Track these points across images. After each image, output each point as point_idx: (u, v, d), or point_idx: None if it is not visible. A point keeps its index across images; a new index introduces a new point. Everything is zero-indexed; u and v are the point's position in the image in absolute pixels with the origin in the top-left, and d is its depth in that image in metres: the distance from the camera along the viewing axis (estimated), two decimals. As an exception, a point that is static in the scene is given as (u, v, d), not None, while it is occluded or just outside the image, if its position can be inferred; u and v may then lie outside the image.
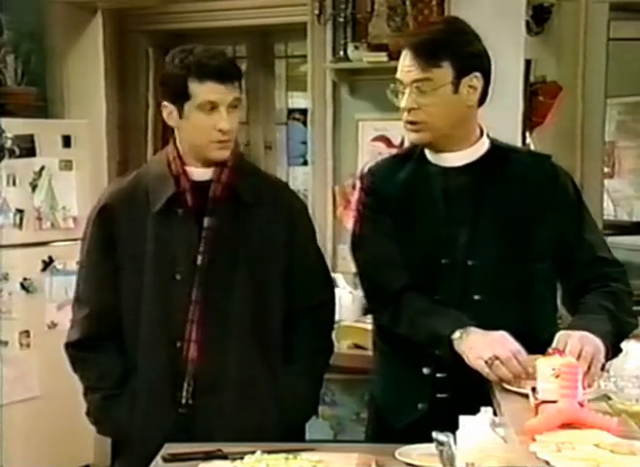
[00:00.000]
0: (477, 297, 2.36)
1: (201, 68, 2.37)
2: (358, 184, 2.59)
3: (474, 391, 2.16)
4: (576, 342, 2.10)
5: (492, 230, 2.38)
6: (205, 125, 2.39)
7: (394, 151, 3.55)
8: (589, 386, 2.03)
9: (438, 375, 2.36)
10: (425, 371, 2.38)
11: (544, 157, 2.55)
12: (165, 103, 2.44)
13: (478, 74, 2.35)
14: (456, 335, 2.21)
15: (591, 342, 2.12)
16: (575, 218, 2.45)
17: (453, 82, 2.32)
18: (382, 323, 2.50)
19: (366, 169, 2.58)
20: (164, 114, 2.46)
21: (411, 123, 2.36)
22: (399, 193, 2.43)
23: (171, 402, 2.43)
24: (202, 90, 2.37)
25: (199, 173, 2.46)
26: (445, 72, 2.31)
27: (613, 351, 2.20)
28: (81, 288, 2.56)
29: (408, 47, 2.34)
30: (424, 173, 2.44)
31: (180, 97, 2.39)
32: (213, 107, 2.38)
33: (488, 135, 2.46)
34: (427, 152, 2.45)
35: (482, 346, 2.16)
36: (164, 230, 2.44)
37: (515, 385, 2.06)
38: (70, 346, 2.54)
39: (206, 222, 2.43)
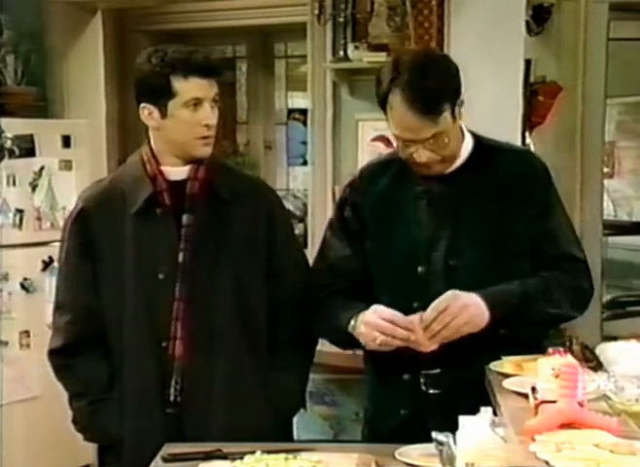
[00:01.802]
0: None
1: (185, 64, 2.37)
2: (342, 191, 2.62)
3: (459, 392, 2.25)
4: (443, 300, 2.25)
5: (474, 232, 2.39)
6: (191, 122, 2.39)
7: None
8: (432, 340, 2.24)
9: (421, 380, 2.37)
10: (405, 376, 2.40)
11: (523, 151, 2.58)
12: (144, 104, 2.43)
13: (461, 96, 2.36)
14: (350, 326, 2.35)
15: (466, 304, 2.24)
16: (547, 212, 2.47)
17: (452, 116, 2.32)
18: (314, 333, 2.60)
19: (353, 176, 2.61)
20: (143, 115, 2.45)
21: (428, 166, 2.37)
22: (375, 203, 2.47)
23: (160, 402, 2.43)
24: (187, 87, 2.37)
25: (175, 172, 2.46)
26: (447, 114, 2.31)
27: (506, 322, 2.27)
28: (61, 293, 2.55)
29: (410, 107, 2.26)
30: (406, 177, 2.44)
31: (163, 96, 2.39)
32: (197, 103, 2.39)
33: (469, 131, 2.46)
34: None
35: (365, 332, 2.30)
36: (144, 230, 2.44)
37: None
38: (53, 354, 2.53)
39: (185, 219, 2.44)
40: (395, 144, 2.43)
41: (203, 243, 2.45)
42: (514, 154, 2.55)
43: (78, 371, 2.49)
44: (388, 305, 2.36)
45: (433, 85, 2.28)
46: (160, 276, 2.43)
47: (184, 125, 2.40)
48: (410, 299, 2.37)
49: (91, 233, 2.48)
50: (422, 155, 2.33)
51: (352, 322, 2.35)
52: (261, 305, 2.51)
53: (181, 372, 2.42)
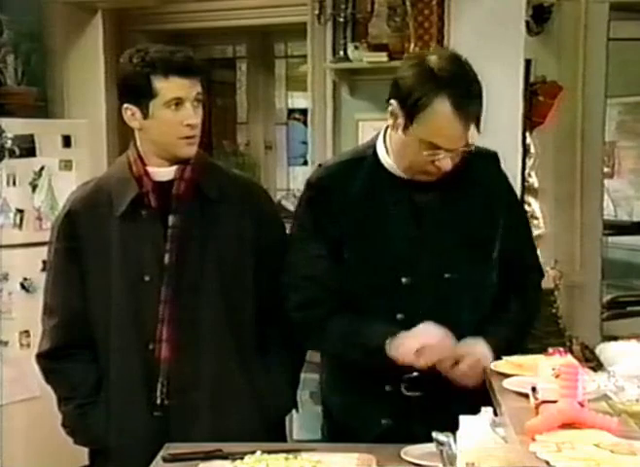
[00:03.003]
0: (447, 310, 2.36)
1: (166, 64, 2.34)
2: (304, 193, 2.48)
3: (439, 393, 2.27)
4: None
5: (460, 242, 2.36)
6: (173, 122, 2.36)
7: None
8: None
9: (402, 384, 2.35)
10: (387, 388, 2.38)
11: (491, 156, 2.48)
12: (127, 105, 2.39)
13: None
14: (387, 342, 2.28)
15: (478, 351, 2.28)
16: (514, 222, 2.47)
17: None
18: (310, 349, 2.55)
19: (313, 178, 2.48)
20: (126, 116, 2.41)
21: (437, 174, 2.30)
22: (351, 206, 2.37)
23: (146, 405, 2.41)
24: (168, 87, 2.34)
25: (162, 173, 2.43)
26: None
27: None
28: (49, 297, 2.53)
29: (459, 114, 2.19)
30: (380, 178, 2.37)
31: (144, 96, 2.36)
32: (178, 103, 2.35)
33: None
34: (383, 160, 2.38)
35: (409, 341, 2.26)
36: (130, 232, 2.42)
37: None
38: (41, 357, 2.51)
39: (171, 220, 2.41)
40: (406, 152, 2.30)
41: (190, 244, 2.42)
42: (482, 156, 2.40)
43: (65, 374, 2.48)
44: (368, 315, 2.35)
45: (478, 92, 2.25)
46: (146, 278, 2.41)
47: (166, 125, 2.37)
48: (394, 310, 2.36)
49: (79, 236, 2.46)
50: (447, 163, 2.25)
51: (388, 340, 2.28)
52: (249, 306, 2.48)
53: (167, 374, 2.40)
